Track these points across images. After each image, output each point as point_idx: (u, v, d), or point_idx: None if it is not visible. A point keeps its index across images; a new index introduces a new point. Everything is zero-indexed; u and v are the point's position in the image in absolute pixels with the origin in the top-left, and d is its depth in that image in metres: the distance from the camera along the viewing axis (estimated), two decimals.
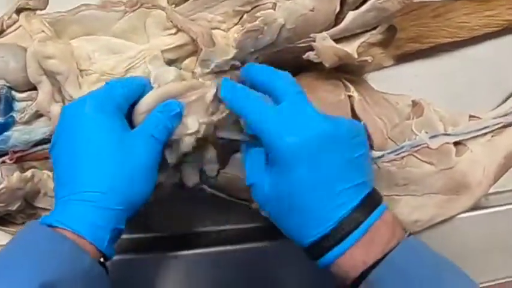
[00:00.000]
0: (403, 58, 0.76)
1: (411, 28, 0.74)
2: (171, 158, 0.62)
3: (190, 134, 0.62)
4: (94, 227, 0.53)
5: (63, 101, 0.64)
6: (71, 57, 0.63)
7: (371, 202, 0.55)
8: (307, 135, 0.54)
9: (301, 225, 0.55)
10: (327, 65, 0.65)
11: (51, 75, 0.62)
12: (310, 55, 0.65)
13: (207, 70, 0.64)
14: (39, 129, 0.66)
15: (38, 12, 0.65)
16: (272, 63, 0.67)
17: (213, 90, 0.64)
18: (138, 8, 0.63)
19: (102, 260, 0.55)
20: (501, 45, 0.79)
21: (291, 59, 0.68)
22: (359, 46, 0.66)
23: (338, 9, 0.64)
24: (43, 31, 0.62)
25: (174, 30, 0.64)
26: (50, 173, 0.67)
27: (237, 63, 0.65)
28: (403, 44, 0.74)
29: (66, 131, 0.57)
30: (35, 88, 0.64)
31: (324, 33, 0.64)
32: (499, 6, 0.76)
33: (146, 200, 0.58)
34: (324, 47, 0.64)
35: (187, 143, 0.62)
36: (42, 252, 0.51)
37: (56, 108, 0.64)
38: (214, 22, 0.64)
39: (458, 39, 0.75)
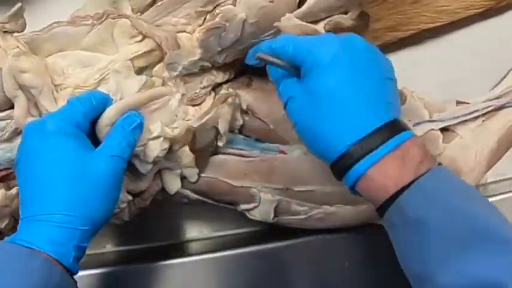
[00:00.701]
0: (385, 48, 0.74)
1: (389, 17, 0.73)
2: (142, 168, 0.63)
3: (154, 138, 0.63)
4: (59, 245, 0.54)
5: (40, 116, 0.65)
6: (45, 72, 0.64)
7: (400, 125, 0.55)
8: (343, 47, 0.56)
9: (330, 136, 0.55)
10: None
11: (25, 89, 0.64)
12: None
13: (175, 73, 0.65)
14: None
15: (15, 34, 0.67)
16: (240, 64, 0.68)
17: (178, 96, 0.65)
18: (105, 19, 0.65)
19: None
20: (487, 28, 0.77)
21: None
22: (326, 24, 0.65)
23: None
24: (17, 47, 0.64)
25: (140, 38, 0.65)
26: None
27: (207, 64, 0.66)
28: (383, 34, 0.73)
29: (27, 150, 0.58)
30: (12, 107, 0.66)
31: (288, 14, 0.63)
32: None
33: (109, 217, 0.59)
34: (291, 25, 0.63)
35: (153, 148, 0.63)
36: (15, 269, 0.53)
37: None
38: (178, 25, 0.65)
39: (440, 23, 0.73)
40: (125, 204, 0.68)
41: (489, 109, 0.70)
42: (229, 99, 0.66)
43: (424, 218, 0.51)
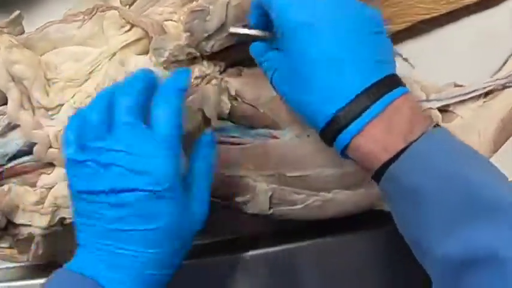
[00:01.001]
0: None
1: (383, 9, 0.71)
2: None
3: None
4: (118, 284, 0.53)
5: (32, 109, 0.66)
6: (37, 66, 0.66)
7: (391, 82, 0.52)
8: (318, 5, 0.53)
9: (316, 104, 0.52)
10: None
11: (18, 80, 0.65)
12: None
13: (162, 59, 0.65)
14: (13, 141, 0.67)
15: None
16: (231, 54, 0.68)
17: None
18: (95, 13, 0.67)
19: None
20: (484, 18, 0.75)
21: None
22: None
23: None
24: (10, 40, 0.66)
25: (128, 27, 0.66)
26: (28, 187, 0.68)
27: (193, 51, 0.66)
28: None
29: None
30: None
31: None
32: None
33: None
34: None
35: None
36: None
37: (24, 116, 0.66)
38: (165, 14, 0.66)
39: (435, 14, 0.72)
40: None
41: (489, 88, 0.68)
42: (214, 81, 0.65)
43: (419, 186, 0.49)
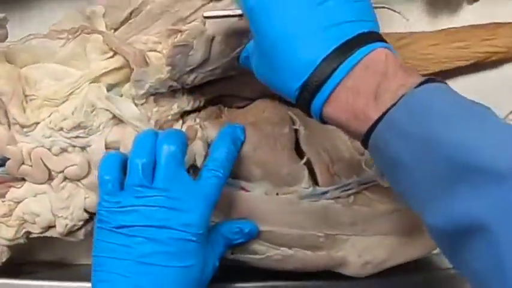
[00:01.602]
0: None
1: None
2: None
3: None
4: None
5: (8, 124, 0.66)
6: (17, 81, 0.65)
7: (357, 42, 0.48)
8: None
9: (285, 78, 0.51)
10: None
11: None
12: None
13: (142, 91, 0.65)
14: None
15: None
16: (212, 88, 0.67)
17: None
18: (79, 34, 0.66)
19: None
20: (471, 83, 0.74)
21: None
22: None
23: None
24: None
25: (111, 54, 0.65)
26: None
27: (176, 85, 0.65)
28: None
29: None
30: None
31: None
32: (471, 36, 0.71)
33: None
34: None
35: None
36: None
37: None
38: (149, 43, 0.65)
39: (425, 72, 0.71)
40: (82, 223, 0.68)
41: None
42: (199, 133, 0.65)
43: (399, 156, 0.45)
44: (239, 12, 0.57)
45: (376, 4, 0.54)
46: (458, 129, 0.43)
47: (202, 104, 0.68)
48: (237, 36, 0.62)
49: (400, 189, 0.48)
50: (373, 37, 0.49)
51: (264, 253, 0.66)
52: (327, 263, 0.66)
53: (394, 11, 0.62)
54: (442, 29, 0.73)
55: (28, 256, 0.77)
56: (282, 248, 0.66)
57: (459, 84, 0.74)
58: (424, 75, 0.66)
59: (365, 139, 0.48)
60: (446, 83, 0.48)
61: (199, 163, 0.65)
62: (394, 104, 0.45)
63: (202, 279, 0.60)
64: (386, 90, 0.46)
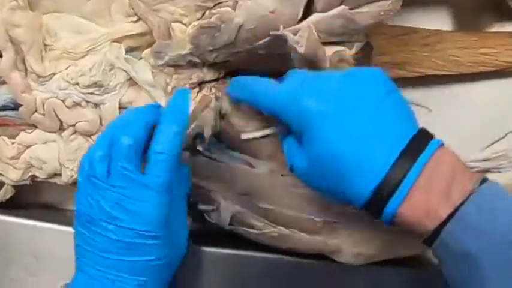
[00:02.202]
0: None
1: (398, 54, 0.70)
2: None
3: None
4: None
5: (25, 71, 0.66)
6: (38, 30, 0.65)
7: (421, 140, 0.50)
8: (321, 92, 0.52)
9: (350, 188, 0.51)
10: (301, 51, 0.60)
11: (16, 43, 0.64)
12: (289, 35, 0.60)
13: (161, 62, 0.64)
14: (1, 96, 0.68)
15: None
16: (233, 64, 0.67)
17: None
18: None
19: None
20: (495, 88, 0.74)
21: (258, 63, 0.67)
22: (333, 53, 0.62)
23: (301, 14, 0.61)
24: (16, 1, 0.64)
25: (135, 18, 0.64)
26: (7, 139, 0.69)
27: (196, 60, 0.65)
28: (389, 69, 0.70)
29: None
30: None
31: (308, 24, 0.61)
32: (498, 45, 0.70)
33: None
34: (313, 36, 0.60)
35: None
36: None
37: (16, 76, 0.66)
38: (176, 15, 0.63)
39: (447, 73, 0.70)
40: None
41: (474, 170, 0.68)
42: (212, 104, 0.65)
43: (472, 252, 0.47)
44: (273, 131, 0.59)
45: None
46: None
47: (222, 75, 0.68)
48: (267, 30, 0.61)
49: (470, 285, 0.49)
50: (429, 133, 0.51)
51: (261, 229, 0.67)
52: (321, 248, 0.67)
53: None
54: (471, 32, 0.72)
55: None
56: (279, 227, 0.67)
57: (480, 89, 0.73)
58: (445, 76, 0.67)
59: (431, 236, 0.49)
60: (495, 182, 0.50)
61: (206, 133, 0.65)
62: (464, 202, 0.47)
63: (175, 257, 0.60)
64: (456, 188, 0.48)
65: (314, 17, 0.61)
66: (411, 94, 0.73)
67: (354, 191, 0.51)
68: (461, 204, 0.47)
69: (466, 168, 0.50)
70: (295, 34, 0.60)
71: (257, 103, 0.58)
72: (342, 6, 0.61)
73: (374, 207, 0.51)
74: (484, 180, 0.50)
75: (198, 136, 0.66)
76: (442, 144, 0.51)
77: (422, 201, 0.49)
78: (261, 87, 0.57)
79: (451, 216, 0.48)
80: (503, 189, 0.50)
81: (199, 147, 0.66)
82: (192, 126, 0.63)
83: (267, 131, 0.63)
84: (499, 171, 0.69)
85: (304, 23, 0.60)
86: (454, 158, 0.50)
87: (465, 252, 0.47)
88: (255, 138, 0.64)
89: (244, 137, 0.63)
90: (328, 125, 0.51)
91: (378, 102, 0.51)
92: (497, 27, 0.74)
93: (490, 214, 0.47)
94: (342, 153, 0.50)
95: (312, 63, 0.61)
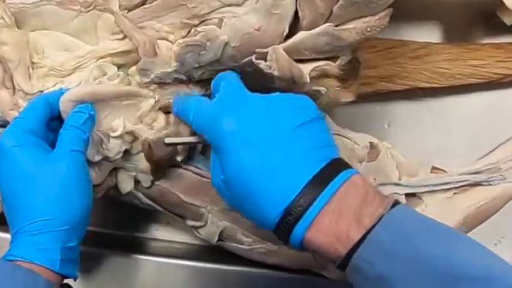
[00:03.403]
0: (374, 97, 0.71)
1: (386, 67, 0.70)
2: (92, 156, 0.62)
3: (115, 137, 0.62)
4: (41, 251, 0.56)
5: (13, 89, 0.66)
6: (25, 47, 0.65)
7: (333, 169, 0.51)
8: (238, 113, 0.53)
9: (259, 210, 0.51)
10: (276, 74, 0.61)
11: (3, 61, 0.64)
12: (261, 63, 0.62)
13: (147, 80, 0.64)
14: None
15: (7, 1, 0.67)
16: None
17: (152, 101, 0.64)
18: (92, 9, 0.64)
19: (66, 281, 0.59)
20: (484, 100, 0.73)
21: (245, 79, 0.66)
22: (312, 70, 0.63)
23: (286, 32, 0.61)
24: (2, 18, 0.64)
25: (121, 36, 0.64)
26: None
27: (182, 77, 0.65)
28: (375, 82, 0.70)
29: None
30: None
31: (277, 45, 0.61)
32: (487, 56, 0.70)
33: (88, 212, 0.60)
34: (282, 56, 0.61)
35: (112, 145, 0.63)
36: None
37: (3, 94, 0.65)
38: (161, 32, 0.63)
39: (436, 85, 0.70)
40: None
41: (463, 184, 0.67)
42: None
43: (384, 275, 0.47)
44: (199, 139, 0.59)
45: None
46: (440, 245, 0.47)
47: (208, 92, 0.68)
48: (252, 47, 0.62)
49: None
50: (344, 162, 0.52)
51: (249, 245, 0.68)
52: (309, 263, 0.68)
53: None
54: (460, 44, 0.71)
55: None
56: (267, 242, 0.68)
57: (469, 101, 0.73)
58: (434, 89, 0.67)
59: (344, 261, 0.49)
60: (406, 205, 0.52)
61: (180, 149, 0.66)
62: (375, 225, 0.48)
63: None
64: (366, 213, 0.49)
65: (300, 35, 0.61)
66: (401, 107, 0.73)
67: (263, 214, 0.51)
68: (372, 227, 0.48)
69: (377, 193, 0.51)
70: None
71: (187, 120, 0.59)
72: (327, 24, 0.61)
73: (281, 232, 0.51)
74: (396, 203, 0.50)
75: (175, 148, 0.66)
76: (356, 173, 0.51)
77: (332, 226, 0.49)
78: (190, 104, 0.59)
79: (362, 239, 0.48)
80: (414, 211, 0.51)
81: (178, 158, 0.66)
82: (166, 132, 0.64)
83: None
84: (490, 185, 0.68)
85: (270, 47, 0.61)
86: (365, 185, 0.51)
87: (379, 276, 0.47)
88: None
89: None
90: (239, 146, 0.52)
91: (293, 128, 0.52)
92: (487, 41, 0.73)
93: (403, 236, 0.48)
94: (251, 176, 0.51)
95: (293, 80, 0.62)
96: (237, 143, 0.52)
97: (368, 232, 0.48)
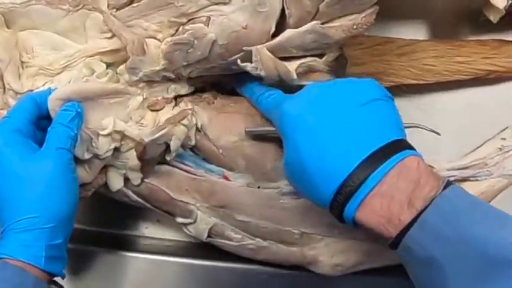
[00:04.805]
0: None
1: (373, 64, 0.71)
2: (81, 154, 0.63)
3: (105, 135, 0.63)
4: (26, 248, 0.56)
5: (3, 88, 0.66)
6: (14, 47, 0.65)
7: (389, 150, 0.51)
8: (301, 98, 0.55)
9: (316, 187, 0.52)
10: (263, 75, 0.63)
11: None
12: (247, 66, 0.63)
13: (136, 78, 0.65)
14: None
15: None
16: (208, 78, 0.67)
17: (140, 98, 0.65)
18: (81, 8, 0.65)
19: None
20: (471, 96, 0.74)
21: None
22: (298, 66, 0.64)
23: (273, 30, 0.62)
24: None
25: (110, 35, 0.65)
26: None
27: (170, 75, 0.65)
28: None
29: None
30: None
31: (261, 45, 0.62)
32: (473, 53, 0.71)
33: (74, 210, 0.60)
34: (265, 56, 0.62)
35: (102, 143, 0.63)
36: None
37: None
38: (150, 31, 0.64)
39: (423, 82, 0.71)
40: None
41: (451, 179, 0.68)
42: (186, 120, 0.65)
43: (433, 256, 0.48)
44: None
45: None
46: (489, 226, 0.47)
47: (197, 89, 0.69)
48: (240, 45, 0.62)
49: (431, 286, 0.49)
50: (404, 145, 0.52)
51: (238, 241, 0.68)
52: (298, 259, 0.68)
53: (425, 128, 0.64)
54: (446, 41, 0.72)
55: None
56: (256, 239, 0.68)
57: (456, 97, 0.74)
58: (421, 85, 0.67)
59: (395, 241, 0.50)
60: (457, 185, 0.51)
61: (173, 145, 0.65)
62: (426, 207, 0.48)
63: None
64: (419, 196, 0.49)
65: (287, 33, 0.62)
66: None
67: (318, 193, 0.52)
68: (424, 210, 0.48)
69: (431, 176, 0.50)
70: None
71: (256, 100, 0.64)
72: (314, 22, 0.61)
73: (335, 211, 0.52)
74: (448, 184, 0.50)
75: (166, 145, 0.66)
76: (413, 154, 0.51)
77: (383, 209, 0.49)
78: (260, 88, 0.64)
79: (413, 221, 0.48)
80: (465, 192, 0.51)
81: (167, 157, 0.66)
82: (160, 133, 0.64)
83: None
84: (477, 180, 0.69)
85: (254, 47, 0.61)
86: (420, 168, 0.50)
87: (429, 258, 0.48)
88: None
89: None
90: (299, 128, 0.53)
91: (354, 110, 0.53)
92: (472, 38, 0.74)
93: (453, 218, 0.48)
94: (308, 156, 0.52)
95: (280, 78, 0.62)
96: (296, 125, 0.54)
97: (419, 214, 0.48)
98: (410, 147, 0.52)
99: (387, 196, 0.49)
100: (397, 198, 0.49)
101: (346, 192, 0.50)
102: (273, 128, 0.62)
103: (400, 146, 0.52)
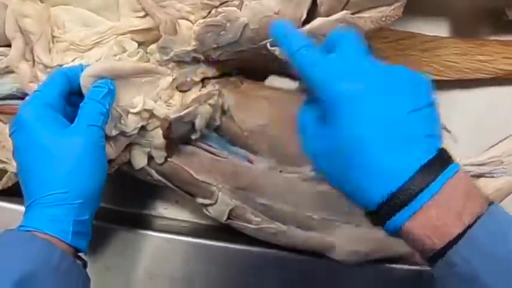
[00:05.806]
0: None
1: (396, 58, 0.72)
2: (109, 130, 0.64)
3: (135, 113, 0.64)
4: (55, 222, 0.57)
5: (33, 61, 0.67)
6: (46, 21, 0.66)
7: (443, 159, 0.47)
8: (364, 83, 0.48)
9: (364, 185, 0.48)
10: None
11: (25, 33, 0.66)
12: (276, 50, 0.60)
13: (166, 58, 0.66)
14: (7, 85, 0.69)
15: None
16: (236, 63, 0.68)
17: (169, 78, 0.66)
18: None
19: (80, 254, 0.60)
20: (491, 95, 0.76)
21: (260, 63, 0.68)
22: None
23: (304, 16, 0.63)
24: None
25: (142, 13, 0.66)
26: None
27: (200, 56, 0.66)
28: None
29: (15, 143, 0.60)
30: (10, 45, 0.68)
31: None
32: (495, 52, 0.72)
33: (102, 187, 0.61)
34: None
35: (130, 121, 0.64)
36: (13, 254, 0.55)
37: (24, 66, 0.67)
38: (182, 12, 0.65)
39: (445, 78, 0.72)
40: None
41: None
42: (212, 100, 0.66)
43: (481, 274, 0.45)
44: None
45: None
46: None
47: (224, 73, 0.70)
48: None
49: None
50: (449, 155, 0.49)
51: (258, 224, 0.69)
52: (316, 244, 0.69)
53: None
54: (468, 39, 0.74)
55: None
56: (276, 223, 0.69)
57: (476, 95, 0.76)
58: (441, 82, 0.69)
59: (437, 254, 0.47)
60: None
61: (198, 125, 0.66)
62: (474, 222, 0.46)
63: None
64: (468, 210, 0.47)
65: (317, 21, 0.63)
66: None
67: (363, 192, 0.48)
68: (472, 224, 0.46)
69: (478, 190, 0.49)
70: None
71: (295, 61, 0.52)
72: (344, 11, 0.63)
73: (378, 215, 0.48)
74: (491, 203, 0.48)
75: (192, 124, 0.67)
76: (460, 169, 0.48)
77: (438, 218, 0.46)
78: (298, 41, 0.52)
79: (460, 235, 0.46)
80: (504, 211, 0.49)
81: (192, 136, 0.67)
82: (187, 111, 0.65)
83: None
84: (493, 176, 0.70)
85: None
86: (469, 181, 0.49)
87: (473, 275, 0.46)
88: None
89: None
90: (359, 109, 0.48)
91: (412, 111, 0.48)
92: (494, 38, 0.76)
93: (501, 235, 0.46)
94: (365, 149, 0.47)
95: None
96: (355, 111, 0.48)
97: (467, 229, 0.46)
98: (453, 158, 0.49)
99: (444, 207, 0.46)
100: (452, 209, 0.46)
101: (404, 197, 0.46)
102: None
103: (447, 155, 0.48)
